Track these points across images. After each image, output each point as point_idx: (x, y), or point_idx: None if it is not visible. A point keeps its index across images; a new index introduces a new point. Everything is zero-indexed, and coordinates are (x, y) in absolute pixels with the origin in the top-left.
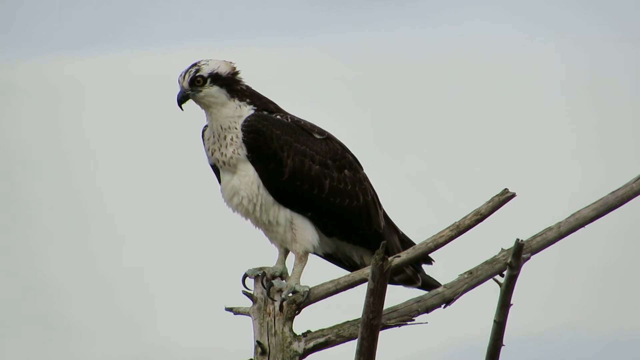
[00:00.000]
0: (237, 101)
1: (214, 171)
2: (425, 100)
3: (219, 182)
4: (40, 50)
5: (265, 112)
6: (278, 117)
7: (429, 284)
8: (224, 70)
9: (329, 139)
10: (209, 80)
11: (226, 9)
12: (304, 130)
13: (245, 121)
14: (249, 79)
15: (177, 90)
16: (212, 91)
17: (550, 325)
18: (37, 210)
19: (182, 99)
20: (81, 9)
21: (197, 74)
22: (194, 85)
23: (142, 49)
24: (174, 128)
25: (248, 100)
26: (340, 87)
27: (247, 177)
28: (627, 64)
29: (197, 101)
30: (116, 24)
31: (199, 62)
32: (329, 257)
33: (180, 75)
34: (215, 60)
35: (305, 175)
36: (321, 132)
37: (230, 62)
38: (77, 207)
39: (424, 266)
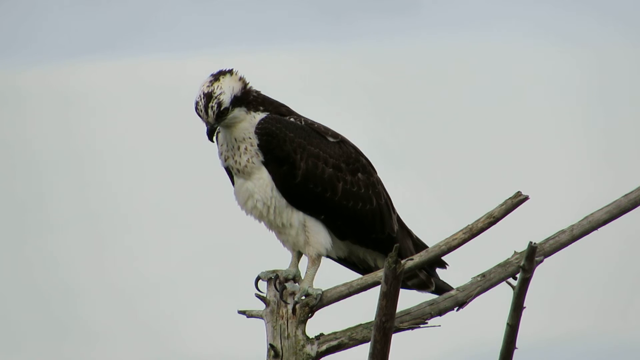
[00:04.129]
0: (252, 112)
1: (227, 173)
2: (440, 105)
3: (232, 183)
4: (50, 58)
5: (277, 115)
6: (291, 119)
7: (443, 288)
8: (238, 89)
9: (342, 142)
10: (230, 107)
11: (238, 17)
12: (317, 133)
13: (258, 124)
14: (269, 86)
15: (197, 114)
16: (235, 114)
17: (562, 329)
18: (52, 217)
19: (211, 133)
20: (91, 17)
21: (222, 108)
22: (220, 118)
23: (151, 56)
24: (186, 134)
25: (261, 107)
26: (360, 92)
27: (262, 180)
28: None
29: (221, 127)
30: (125, 32)
31: (212, 92)
32: (343, 260)
33: (200, 110)
34: (224, 82)
35: (318, 178)
36: (335, 135)
37: (236, 74)
38: (91, 213)
39: (438, 270)
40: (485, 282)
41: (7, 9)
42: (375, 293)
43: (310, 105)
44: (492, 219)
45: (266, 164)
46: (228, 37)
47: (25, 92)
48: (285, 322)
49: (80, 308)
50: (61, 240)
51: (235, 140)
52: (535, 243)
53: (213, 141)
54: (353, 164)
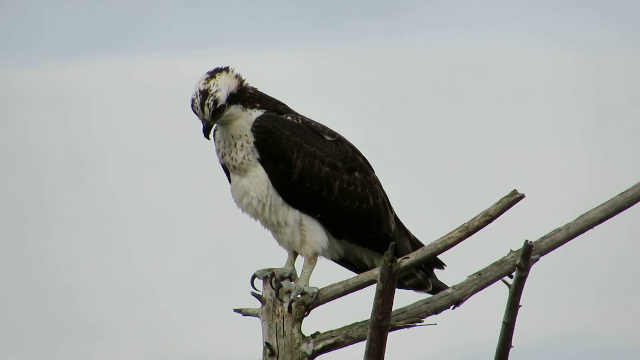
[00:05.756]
0: (248, 110)
1: (224, 170)
2: (436, 105)
3: (229, 181)
4: (46, 59)
5: (274, 113)
6: (288, 118)
7: (440, 289)
8: (234, 86)
9: (339, 140)
10: (226, 104)
11: (234, 19)
12: (314, 131)
13: (255, 122)
14: (266, 86)
15: (194, 114)
16: (231, 111)
17: (558, 328)
18: (51, 217)
19: (207, 131)
20: (87, 18)
21: (218, 105)
22: (216, 115)
23: (149, 56)
24: (183, 134)
25: (258, 104)
26: (355, 92)
27: (257, 177)
28: (636, 68)
29: (217, 124)
30: (122, 32)
31: (208, 89)
32: (339, 260)
33: (196, 108)
34: (220, 79)
35: (314, 176)
36: (332, 133)
37: (232, 71)
38: (89, 213)
39: (436, 271)
40: (481, 281)
41: (4, 9)
42: (371, 291)
43: (307, 105)
44: (488, 218)
45: (262, 162)
46: (225, 38)
47: (22, 93)
48: (281, 320)
49: (77, 307)
50: (59, 240)
51: (232, 137)
52: (531, 241)
53: (209, 138)
54: (350, 163)
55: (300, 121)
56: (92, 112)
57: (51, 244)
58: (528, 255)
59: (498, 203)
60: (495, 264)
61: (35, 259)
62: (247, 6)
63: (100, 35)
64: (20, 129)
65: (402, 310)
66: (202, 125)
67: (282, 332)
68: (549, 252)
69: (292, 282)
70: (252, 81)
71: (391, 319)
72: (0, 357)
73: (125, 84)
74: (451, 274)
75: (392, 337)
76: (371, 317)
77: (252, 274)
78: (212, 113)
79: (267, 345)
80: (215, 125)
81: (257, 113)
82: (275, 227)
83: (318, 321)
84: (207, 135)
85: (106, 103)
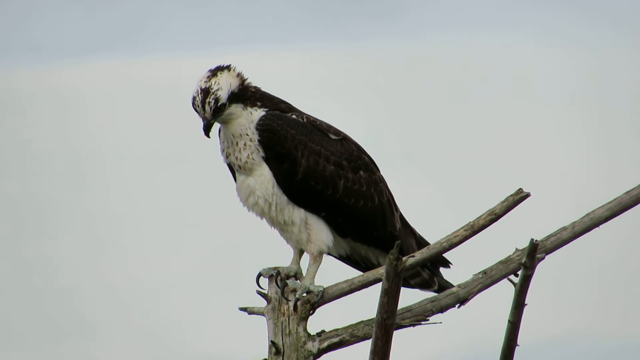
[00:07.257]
0: (249, 108)
1: (230, 169)
2: (441, 103)
3: (234, 179)
4: (46, 58)
5: (278, 112)
6: (293, 116)
7: (446, 287)
8: (235, 85)
9: (344, 139)
10: (227, 103)
11: (232, 19)
12: (319, 130)
13: (259, 120)
14: (264, 86)
15: (195, 112)
16: (231, 110)
17: (564, 327)
18: (51, 218)
19: (208, 129)
20: (87, 18)
21: (219, 104)
22: (217, 113)
23: (149, 56)
24: (183, 134)
25: (259, 103)
26: (364, 91)
27: (263, 176)
28: (638, 67)
29: (218, 122)
30: (123, 32)
31: (209, 88)
32: (345, 258)
33: (197, 106)
34: (222, 77)
35: (319, 175)
36: (337, 132)
37: (234, 70)
38: (89, 213)
39: (442, 270)
40: (486, 279)
41: (4, 9)
42: (376, 290)
43: (312, 104)
44: (494, 216)
45: (267, 160)
46: (226, 39)
47: (21, 93)
48: (287, 319)
49: (80, 308)
50: (59, 241)
51: (233, 136)
52: (536, 240)
53: (209, 137)
54: (355, 162)
55: (305, 120)
56: (92, 112)
57: (52, 244)
58: (534, 253)
59: (504, 202)
60: (500, 262)
61: (36, 260)
62: (249, 7)
63: (100, 35)
64: (20, 129)
65: (408, 309)
66: (202, 124)
67: (287, 330)
68: (554, 250)
69: (298, 281)
70: (256, 81)
71: (397, 318)
72: (0, 358)
73: (125, 84)
74: (457, 272)
75: (398, 336)
76: (377, 315)
77: (257, 272)
78: (212, 111)
79: (273, 343)
80: (217, 123)
81: (258, 112)
82: (282, 226)
83: (323, 320)
84: (207, 134)
85: (106, 103)
